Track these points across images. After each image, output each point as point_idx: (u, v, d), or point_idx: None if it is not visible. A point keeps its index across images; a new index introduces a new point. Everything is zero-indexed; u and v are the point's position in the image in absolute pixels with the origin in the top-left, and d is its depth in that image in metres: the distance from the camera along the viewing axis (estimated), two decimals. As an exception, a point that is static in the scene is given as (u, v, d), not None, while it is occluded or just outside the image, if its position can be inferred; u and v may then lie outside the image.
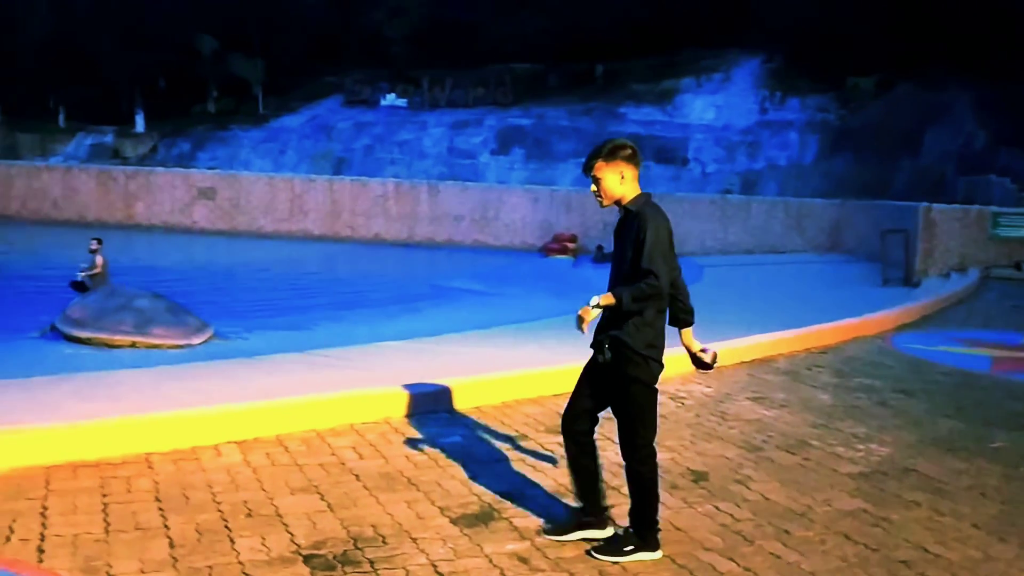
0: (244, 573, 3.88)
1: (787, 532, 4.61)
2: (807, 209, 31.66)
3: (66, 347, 13.39)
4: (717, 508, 4.91)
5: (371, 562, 4.01)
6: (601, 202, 4.24)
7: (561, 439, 4.44)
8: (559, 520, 4.55)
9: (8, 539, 4.10)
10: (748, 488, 5.27)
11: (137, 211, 39.55)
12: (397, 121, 45.89)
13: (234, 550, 4.08)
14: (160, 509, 4.54)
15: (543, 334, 9.97)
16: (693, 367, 4.51)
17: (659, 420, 6.51)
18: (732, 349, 9.08)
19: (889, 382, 8.54)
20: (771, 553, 4.33)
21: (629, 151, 4.18)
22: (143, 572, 3.83)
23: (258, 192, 38.89)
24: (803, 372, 8.85)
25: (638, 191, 4.19)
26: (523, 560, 4.11)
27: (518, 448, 5.84)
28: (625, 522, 4.29)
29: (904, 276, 19.40)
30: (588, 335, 4.18)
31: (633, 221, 4.11)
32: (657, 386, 4.20)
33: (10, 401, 6.06)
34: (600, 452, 5.53)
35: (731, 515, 4.82)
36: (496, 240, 35.91)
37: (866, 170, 33.57)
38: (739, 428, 6.61)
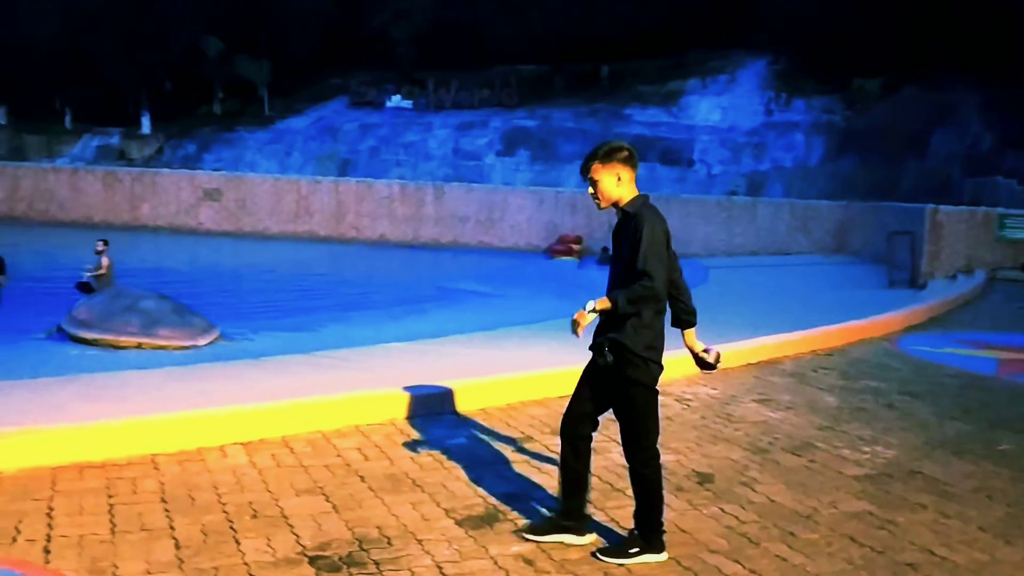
0: (250, 574, 3.88)
1: (792, 534, 4.60)
2: (813, 211, 31.61)
3: (72, 348, 13.42)
4: (722, 510, 4.91)
5: (376, 563, 4.02)
6: (599, 204, 4.25)
7: None
8: (538, 520, 4.55)
9: (15, 540, 4.11)
10: (753, 490, 5.26)
11: (143, 212, 39.64)
12: (402, 123, 45.94)
13: (240, 551, 4.09)
14: (166, 510, 4.55)
15: (548, 336, 9.96)
16: (697, 368, 4.51)
17: (665, 422, 6.50)
18: (738, 351, 9.07)
19: (895, 384, 8.52)
20: (776, 555, 4.32)
21: (626, 153, 4.19)
22: (149, 573, 3.84)
23: (264, 193, 38.95)
24: (809, 374, 8.83)
25: (635, 193, 4.19)
26: (528, 562, 4.11)
27: (523, 450, 5.83)
28: (630, 524, 4.28)
29: (910, 278, 19.35)
30: (585, 339, 4.17)
31: (630, 223, 4.12)
32: (659, 388, 4.20)
33: (16, 402, 6.08)
34: (605, 454, 5.55)
35: (736, 517, 4.81)
36: (501, 241, 35.91)
37: (872, 172, 33.52)
38: (745, 430, 6.61)
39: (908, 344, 10.93)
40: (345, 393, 6.50)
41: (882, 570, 4.21)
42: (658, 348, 4.15)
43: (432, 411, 6.59)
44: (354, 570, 3.95)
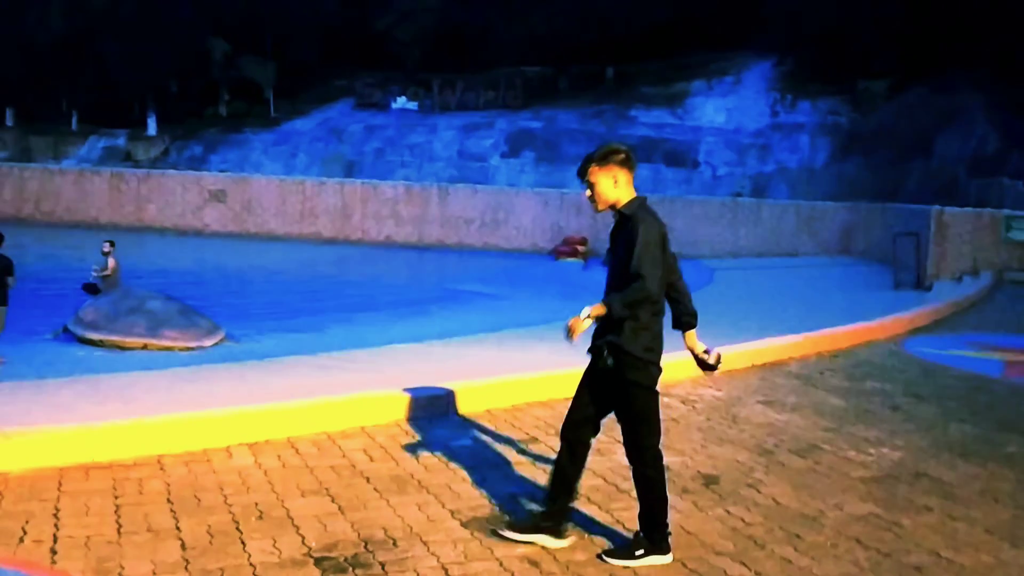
0: (255, 575, 3.89)
1: (798, 536, 4.59)
2: (818, 212, 31.56)
3: (78, 349, 13.45)
4: (728, 512, 4.90)
5: (382, 565, 4.02)
6: (596, 206, 4.25)
7: None
8: (518, 517, 4.55)
9: (21, 540, 4.12)
10: (759, 492, 5.25)
11: (149, 213, 39.73)
12: (408, 124, 45.99)
13: (245, 552, 4.09)
14: (172, 511, 4.56)
15: (553, 337, 9.94)
16: (699, 369, 4.50)
17: (670, 424, 6.50)
18: (743, 352, 9.06)
19: (901, 386, 8.50)
20: (782, 557, 4.31)
21: (622, 155, 4.19)
22: (155, 574, 3.84)
23: (269, 195, 39.02)
24: (815, 376, 8.82)
25: (632, 195, 4.19)
26: (534, 563, 4.10)
27: (528, 451, 5.84)
28: (635, 526, 4.28)
29: (916, 279, 19.31)
30: (588, 340, 4.17)
31: (627, 225, 4.12)
32: (663, 389, 4.19)
33: (23, 403, 6.09)
34: (610, 456, 5.55)
35: (742, 519, 4.80)
36: (506, 243, 35.93)
37: (877, 173, 33.47)
38: (750, 432, 6.60)
39: (914, 346, 10.91)
40: (350, 394, 6.51)
41: (888, 572, 4.20)
42: (656, 350, 4.15)
43: (437, 412, 6.59)
44: (360, 571, 3.95)
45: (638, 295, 3.96)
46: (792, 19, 39.98)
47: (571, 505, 4.42)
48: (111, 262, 16.90)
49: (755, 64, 43.58)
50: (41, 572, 3.84)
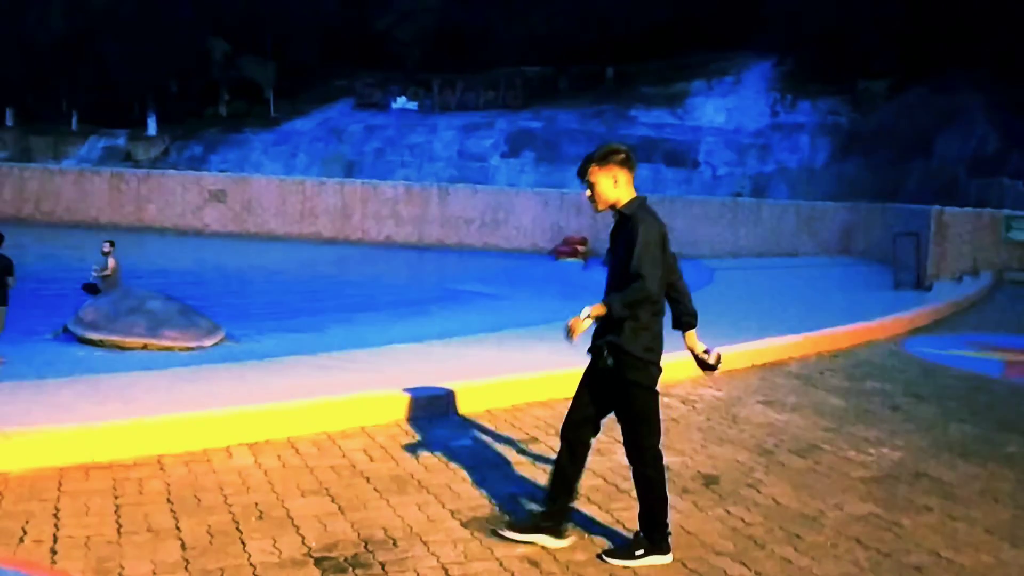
0: (255, 575, 3.89)
1: (798, 536, 4.59)
2: (818, 212, 31.56)
3: (78, 349, 13.46)
4: (728, 512, 4.90)
5: (382, 565, 4.02)
6: (596, 207, 4.25)
7: None
8: (518, 517, 4.55)
9: (21, 540, 4.12)
10: (759, 492, 5.25)
11: (149, 214, 39.74)
12: (408, 124, 46.00)
13: (245, 552, 4.09)
14: (172, 511, 4.56)
15: (553, 337, 9.95)
16: (699, 369, 4.51)
17: (670, 424, 6.50)
18: (743, 352, 9.06)
19: (901, 386, 8.50)
20: (782, 557, 4.31)
21: (622, 155, 4.19)
22: (155, 574, 3.84)
23: (269, 195, 39.03)
24: (815, 376, 8.82)
25: (632, 195, 4.19)
26: (534, 563, 4.10)
27: (528, 451, 5.84)
28: (635, 526, 4.28)
29: (916, 280, 19.32)
30: (582, 343, 4.17)
31: (626, 225, 4.12)
32: (664, 389, 4.19)
33: (23, 403, 6.09)
34: (610, 456, 5.55)
35: (742, 519, 4.80)
36: (506, 243, 35.94)
37: (877, 173, 33.47)
38: (750, 432, 6.60)
39: (914, 346, 10.91)
40: (350, 394, 6.51)
41: (888, 572, 4.20)
42: (656, 350, 4.15)
43: (437, 412, 6.59)
44: (360, 571, 3.95)
45: (638, 295, 3.97)
46: (792, 19, 39.98)
47: (571, 505, 4.42)
48: (111, 262, 16.90)
49: (755, 64, 43.58)
50: (41, 572, 3.84)
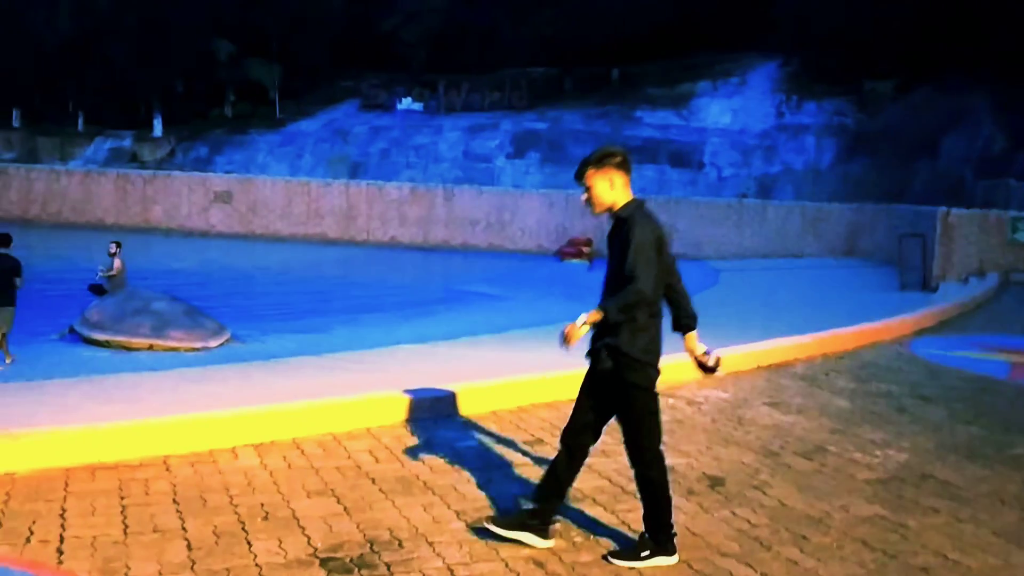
0: (261, 575, 3.89)
1: (804, 538, 4.58)
2: (824, 213, 31.52)
3: (84, 350, 13.50)
4: (734, 513, 4.89)
5: (387, 565, 4.02)
6: (593, 209, 4.25)
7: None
8: (507, 512, 4.55)
9: (28, 540, 4.13)
10: (765, 494, 5.25)
11: (155, 214, 39.83)
12: (413, 125, 46.03)
13: (251, 553, 4.10)
14: (178, 511, 4.56)
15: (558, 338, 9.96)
16: (699, 372, 4.50)
17: (675, 425, 6.49)
18: (749, 353, 9.05)
19: (907, 387, 8.48)
20: (788, 559, 4.31)
21: (619, 158, 4.18)
22: (161, 574, 3.85)
23: (274, 196, 39.09)
24: (820, 377, 8.81)
25: (629, 197, 4.19)
26: (539, 564, 4.10)
27: (533, 452, 5.84)
28: (641, 528, 4.28)
29: (922, 281, 19.28)
30: (583, 346, 4.17)
31: (623, 227, 4.12)
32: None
33: (29, 403, 6.11)
34: (615, 458, 5.54)
35: (748, 520, 4.80)
36: (511, 244, 35.95)
37: (883, 174, 33.41)
38: (756, 433, 6.59)
39: (920, 347, 10.89)
40: (356, 395, 6.52)
41: (894, 574, 4.19)
42: (655, 351, 4.15)
43: (442, 413, 6.59)
44: (365, 572, 3.95)
45: (632, 298, 3.96)
46: (798, 20, 39.94)
47: (559, 508, 4.42)
48: (117, 263, 16.94)
49: (760, 65, 43.52)
50: (47, 572, 3.84)
